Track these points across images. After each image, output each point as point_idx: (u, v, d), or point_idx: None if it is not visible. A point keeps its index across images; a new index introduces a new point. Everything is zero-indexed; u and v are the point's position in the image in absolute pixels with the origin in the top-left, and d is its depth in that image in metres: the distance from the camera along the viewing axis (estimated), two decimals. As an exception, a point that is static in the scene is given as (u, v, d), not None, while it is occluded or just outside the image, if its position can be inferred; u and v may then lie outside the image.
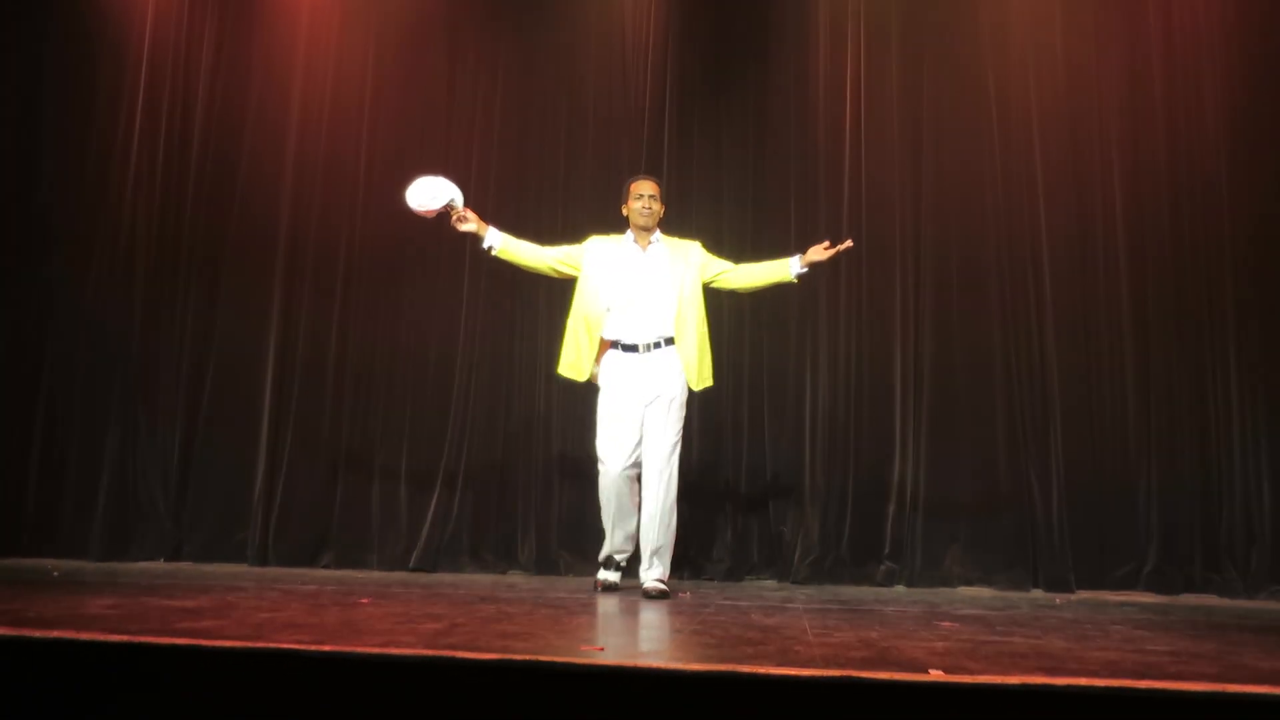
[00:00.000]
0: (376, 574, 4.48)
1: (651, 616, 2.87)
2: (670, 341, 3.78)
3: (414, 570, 4.65)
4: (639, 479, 3.75)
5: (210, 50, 5.30)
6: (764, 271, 3.92)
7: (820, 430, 4.69)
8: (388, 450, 4.93)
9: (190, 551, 4.86)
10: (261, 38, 5.31)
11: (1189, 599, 4.21)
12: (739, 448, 4.78)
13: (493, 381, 4.97)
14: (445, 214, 3.78)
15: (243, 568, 4.64)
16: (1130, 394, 4.57)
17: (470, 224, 3.79)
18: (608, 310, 3.78)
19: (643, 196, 3.89)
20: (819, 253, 3.81)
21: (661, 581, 3.65)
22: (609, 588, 3.77)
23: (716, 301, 4.17)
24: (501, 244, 3.85)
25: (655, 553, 3.69)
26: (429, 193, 3.76)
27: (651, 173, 4.32)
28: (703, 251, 3.94)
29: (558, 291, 4.90)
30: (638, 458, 3.73)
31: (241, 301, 5.10)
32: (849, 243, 3.85)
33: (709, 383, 3.88)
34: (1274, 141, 4.59)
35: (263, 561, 4.74)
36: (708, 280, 3.90)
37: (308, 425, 4.96)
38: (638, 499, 3.76)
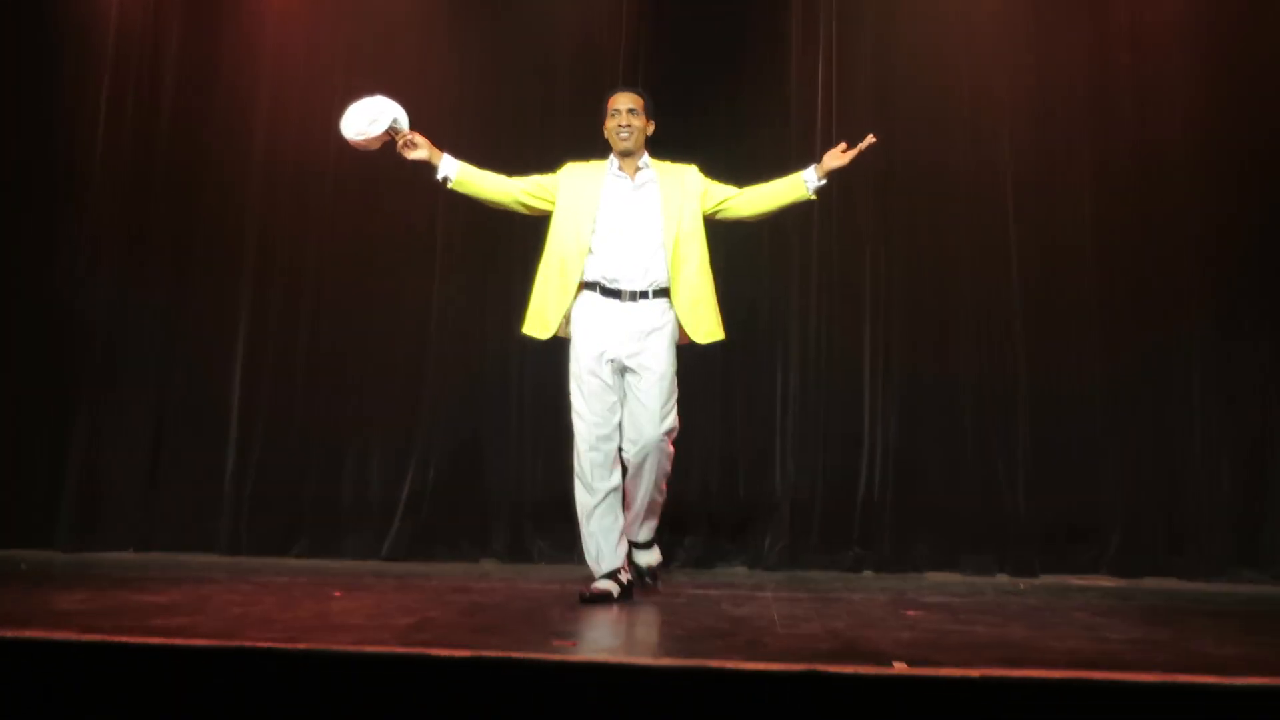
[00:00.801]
0: (349, 563, 4.49)
1: (624, 608, 2.90)
2: (663, 293, 3.16)
3: (387, 559, 4.65)
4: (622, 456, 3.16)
5: (178, 42, 5.20)
6: (775, 192, 3.31)
7: (791, 417, 4.74)
8: (360, 438, 4.92)
9: (160, 541, 4.82)
10: (230, 30, 5.22)
11: (1151, 582, 4.31)
12: (710, 435, 4.82)
13: (464, 365, 4.96)
14: (390, 141, 3.23)
15: (214, 557, 4.63)
16: (1095, 381, 4.65)
17: (420, 151, 3.21)
18: (588, 251, 3.13)
19: (619, 112, 3.21)
20: (837, 157, 3.21)
21: (655, 558, 3.40)
22: (599, 597, 2.99)
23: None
24: (459, 174, 3.24)
25: (644, 519, 3.28)
26: (366, 116, 3.23)
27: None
28: (701, 177, 3.31)
29: (531, 267, 4.90)
30: (615, 443, 3.15)
31: (211, 288, 5.04)
32: (871, 138, 3.27)
33: (718, 336, 3.27)
34: (1237, 140, 4.67)
35: (234, 551, 4.73)
36: (710, 211, 3.27)
37: (278, 412, 4.94)
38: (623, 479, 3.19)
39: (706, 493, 4.76)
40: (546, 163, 4.94)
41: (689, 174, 3.30)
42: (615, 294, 3.12)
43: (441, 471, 4.84)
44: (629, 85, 3.66)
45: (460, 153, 5.05)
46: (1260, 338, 4.57)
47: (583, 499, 3.14)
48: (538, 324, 3.22)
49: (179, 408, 4.97)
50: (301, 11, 5.24)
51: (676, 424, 3.18)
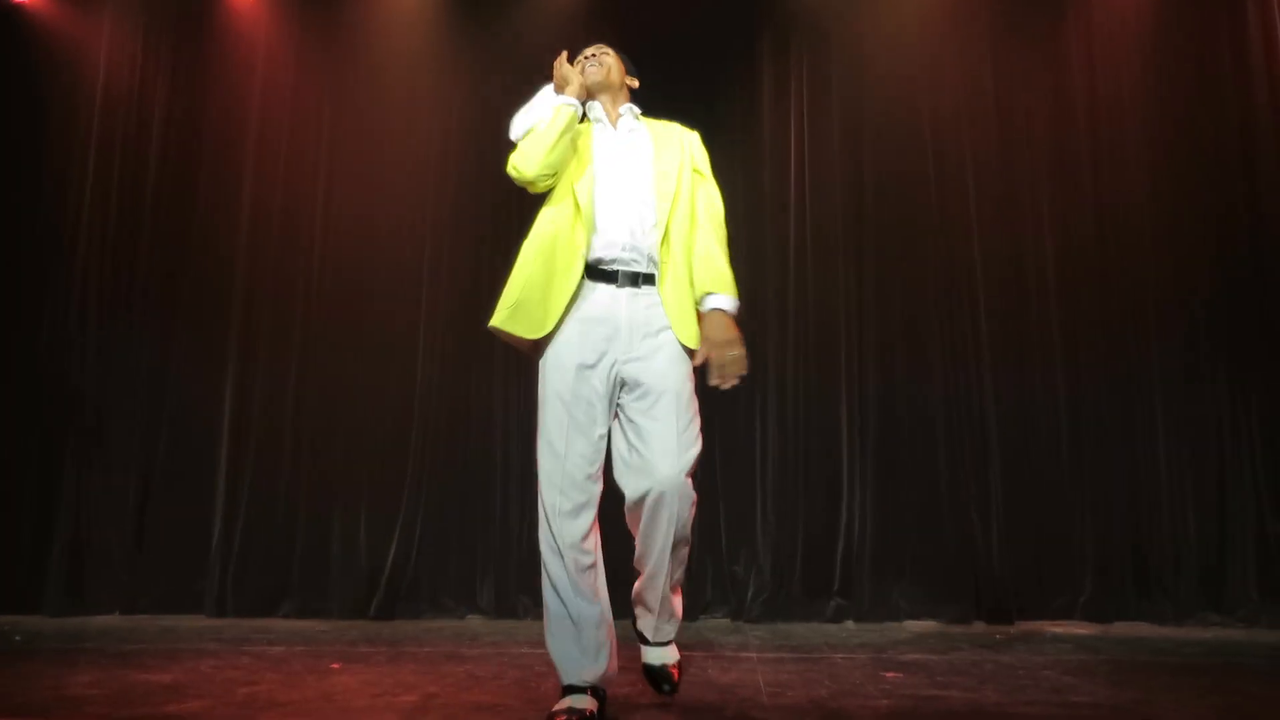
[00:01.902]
0: (338, 624, 4.54)
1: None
2: (651, 280, 2.45)
3: (373, 618, 4.71)
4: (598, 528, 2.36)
5: (164, 91, 5.34)
6: (698, 276, 2.49)
7: (771, 469, 4.87)
8: (347, 495, 4.99)
9: (147, 603, 4.86)
10: (216, 80, 5.35)
11: (1122, 627, 4.44)
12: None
13: (450, 423, 5.06)
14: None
15: (201, 619, 4.67)
16: (1063, 428, 4.81)
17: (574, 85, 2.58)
18: (592, 218, 2.45)
19: (587, 56, 2.68)
20: (703, 354, 2.37)
21: (673, 657, 2.53)
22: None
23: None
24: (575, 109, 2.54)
25: (659, 615, 2.48)
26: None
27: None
28: (701, 147, 2.68)
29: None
30: (597, 491, 2.34)
31: (197, 346, 5.13)
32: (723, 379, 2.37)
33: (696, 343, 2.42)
34: (1194, 181, 4.88)
35: (221, 612, 4.77)
36: None
37: (266, 471, 5.01)
38: (600, 571, 2.38)
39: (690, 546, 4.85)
40: (532, 211, 5.09)
41: (688, 138, 2.66)
42: (610, 277, 2.42)
43: (428, 529, 4.92)
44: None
45: (448, 185, 5.22)
46: (1220, 385, 4.74)
47: (554, 571, 2.30)
48: (525, 319, 2.43)
49: (166, 468, 5.03)
50: (286, 60, 5.37)
51: (699, 452, 2.36)
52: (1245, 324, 4.74)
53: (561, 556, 2.28)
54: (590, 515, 2.33)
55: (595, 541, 2.35)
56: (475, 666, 3.09)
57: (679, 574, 2.45)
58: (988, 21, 5.14)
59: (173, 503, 5.00)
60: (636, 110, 2.69)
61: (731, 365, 2.33)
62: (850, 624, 4.58)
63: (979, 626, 4.49)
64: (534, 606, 4.75)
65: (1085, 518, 4.72)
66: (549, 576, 2.31)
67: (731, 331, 2.38)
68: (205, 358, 5.12)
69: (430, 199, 5.24)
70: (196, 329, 5.15)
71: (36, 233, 5.19)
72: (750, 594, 4.73)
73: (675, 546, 2.35)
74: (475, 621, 4.67)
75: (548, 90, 2.62)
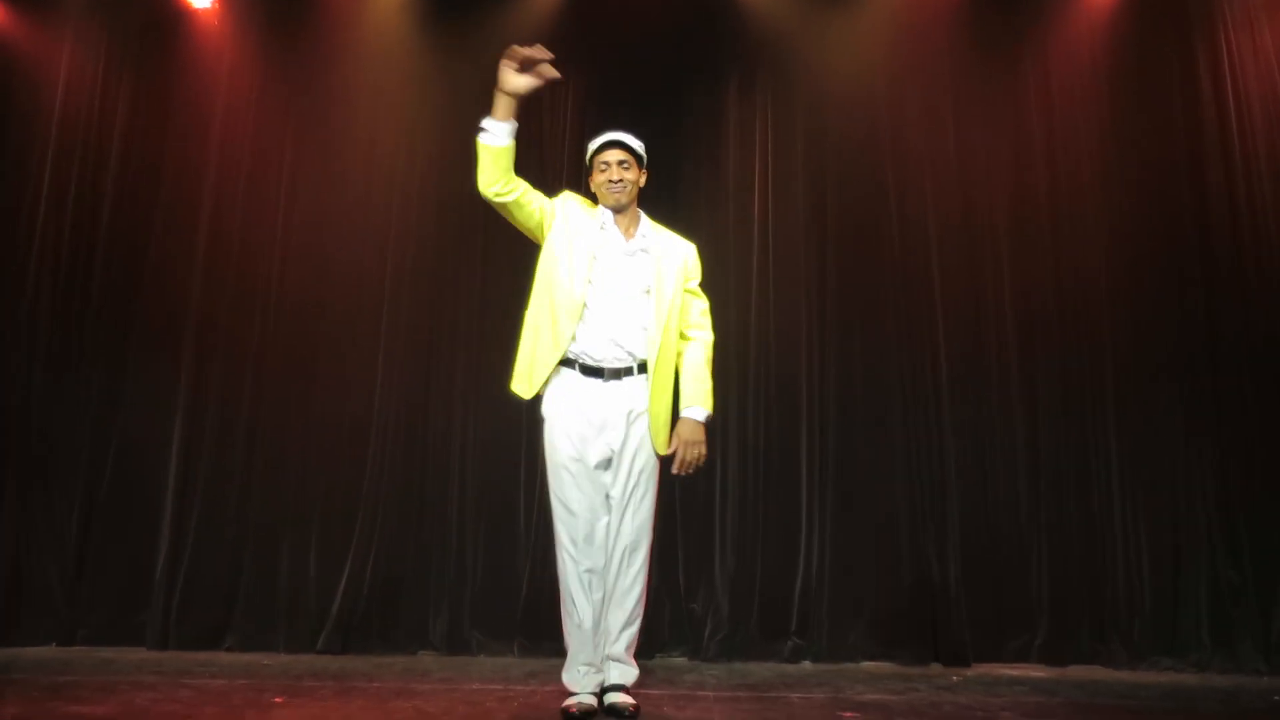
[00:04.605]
0: (283, 658, 4.41)
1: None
2: (644, 368, 2.91)
3: (321, 652, 4.58)
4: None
5: (125, 108, 5.24)
6: (687, 390, 3.03)
7: (730, 509, 4.83)
8: (297, 526, 4.87)
9: (86, 635, 4.69)
10: (178, 96, 5.27)
11: (1077, 671, 4.43)
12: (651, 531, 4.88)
13: (407, 455, 4.97)
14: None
15: (142, 652, 4.51)
16: (1021, 473, 4.83)
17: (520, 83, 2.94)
18: (583, 307, 2.86)
19: (608, 165, 2.96)
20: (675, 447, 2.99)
21: (626, 691, 2.91)
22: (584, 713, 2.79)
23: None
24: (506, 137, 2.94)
25: (618, 656, 2.95)
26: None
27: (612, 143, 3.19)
28: (696, 264, 3.09)
29: (475, 358, 4.98)
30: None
31: (149, 371, 4.99)
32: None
33: (664, 449, 2.96)
34: (1150, 236, 4.96)
35: (163, 645, 4.61)
36: None
37: (214, 501, 4.87)
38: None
39: (647, 584, 4.79)
40: (496, 235, 5.04)
41: (689, 255, 3.05)
42: (597, 372, 2.86)
43: (380, 562, 4.80)
44: (616, 131, 3.15)
45: (411, 215, 5.16)
46: (1177, 436, 4.79)
47: (579, 606, 2.89)
48: (525, 378, 2.90)
49: (111, 497, 4.87)
50: (250, 77, 5.30)
51: (652, 530, 2.96)
52: (1200, 376, 4.81)
53: (578, 606, 2.90)
54: (599, 562, 2.95)
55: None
56: (424, 702, 3.00)
57: (637, 617, 3.04)
58: (949, 62, 5.22)
59: (116, 532, 4.84)
60: (649, 225, 3.03)
61: (694, 461, 2.96)
62: (807, 664, 4.53)
63: (935, 668, 4.46)
64: (488, 642, 4.66)
65: (1042, 561, 4.73)
66: (566, 611, 2.96)
67: (701, 434, 2.96)
68: (156, 383, 4.98)
69: (394, 220, 5.19)
70: (149, 353, 5.03)
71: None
72: (708, 633, 4.67)
73: (635, 603, 3.01)
74: (427, 658, 4.55)
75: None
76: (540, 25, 5.25)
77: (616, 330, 2.86)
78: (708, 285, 4.94)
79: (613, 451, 2.88)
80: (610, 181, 2.96)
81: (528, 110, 5.18)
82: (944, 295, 5.01)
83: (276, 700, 2.96)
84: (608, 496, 2.90)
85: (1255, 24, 5.10)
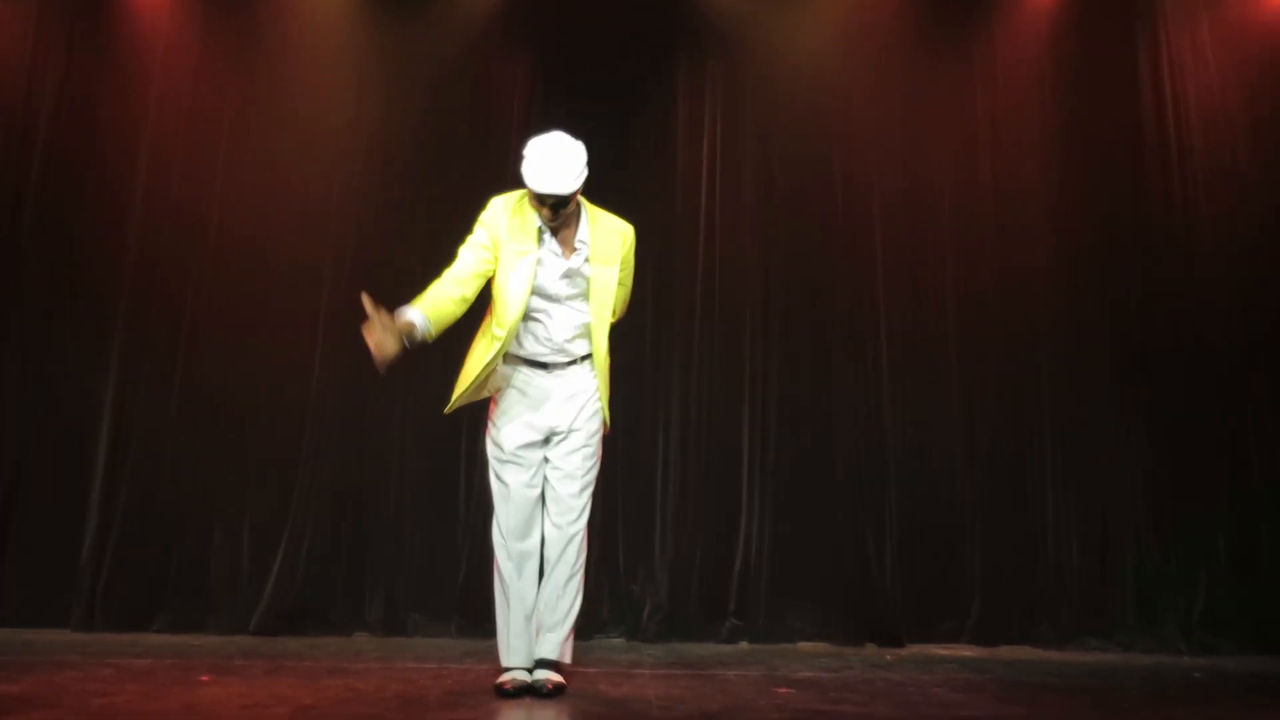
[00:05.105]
0: (214, 639, 4.32)
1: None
2: (587, 358, 3.01)
3: (254, 634, 4.50)
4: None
5: (54, 85, 5.04)
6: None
7: (671, 491, 4.84)
8: (232, 505, 4.77)
9: (6, 616, 4.54)
10: (112, 72, 5.09)
11: (1007, 650, 4.54)
12: (591, 506, 4.86)
13: (343, 433, 4.89)
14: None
15: (66, 634, 4.38)
16: (958, 459, 4.91)
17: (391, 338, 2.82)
18: (521, 320, 2.89)
19: (544, 203, 2.81)
20: None
21: (555, 668, 2.87)
22: (519, 689, 2.78)
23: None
24: (427, 326, 2.86)
25: (551, 627, 2.92)
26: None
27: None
28: (630, 250, 3.04)
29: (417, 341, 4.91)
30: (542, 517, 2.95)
31: (79, 347, 4.84)
32: None
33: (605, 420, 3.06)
34: (1088, 229, 5.07)
35: (89, 627, 4.48)
36: None
37: (145, 479, 4.75)
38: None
39: (586, 565, 4.78)
40: (440, 217, 4.99)
41: (626, 244, 3.02)
42: (543, 366, 2.95)
43: (316, 542, 4.73)
44: (554, 173, 2.83)
45: (354, 186, 5.05)
46: (1107, 420, 4.91)
47: (511, 582, 2.91)
48: (473, 393, 2.95)
49: (37, 475, 4.73)
50: (188, 52, 5.14)
51: (589, 508, 2.99)
52: (1133, 368, 4.95)
53: (507, 580, 2.94)
54: (534, 550, 3.00)
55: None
56: (357, 680, 2.96)
57: (576, 595, 3.02)
58: (897, 55, 5.26)
59: (43, 509, 4.70)
60: (587, 226, 2.93)
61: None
62: (745, 644, 4.56)
63: (870, 648, 4.53)
64: (425, 623, 4.62)
65: (975, 546, 4.82)
66: (499, 597, 2.97)
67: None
68: (87, 359, 4.84)
69: (336, 196, 5.09)
70: (79, 329, 4.87)
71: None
72: (646, 614, 4.68)
73: (572, 574, 3.00)
74: (363, 639, 4.50)
75: None
76: (490, 5, 5.20)
77: (558, 337, 2.94)
78: (655, 271, 4.99)
79: (555, 430, 2.95)
80: (549, 220, 2.87)
81: (475, 95, 5.18)
82: (887, 285, 5.06)
83: (203, 679, 2.90)
84: (546, 476, 2.96)
85: (1195, 20, 5.22)
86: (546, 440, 2.97)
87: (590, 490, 3.00)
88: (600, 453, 3.05)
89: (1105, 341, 4.99)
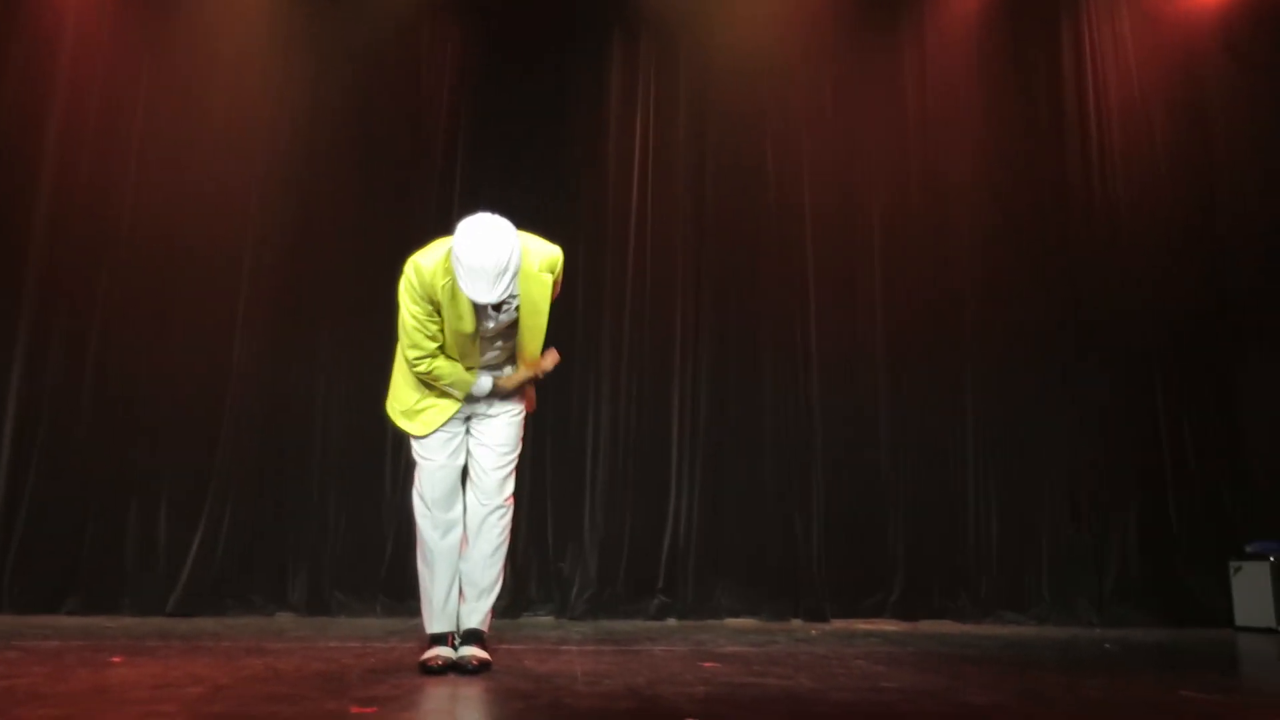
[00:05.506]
0: (129, 620, 4.20)
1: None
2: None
3: (171, 615, 4.39)
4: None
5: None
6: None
7: (601, 470, 4.85)
8: (147, 483, 4.65)
9: (-93, 599, 4.38)
10: (17, 56, 4.87)
11: (928, 625, 4.65)
12: (519, 484, 4.81)
13: (266, 413, 4.80)
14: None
15: (-30, 617, 4.23)
16: (883, 441, 5.01)
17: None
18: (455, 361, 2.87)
19: (483, 307, 2.70)
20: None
21: (481, 642, 2.84)
22: (444, 666, 2.74)
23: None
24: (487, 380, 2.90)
25: (476, 597, 2.90)
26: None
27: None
28: (559, 272, 2.89)
29: (342, 318, 4.82)
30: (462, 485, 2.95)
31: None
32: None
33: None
34: (1013, 225, 5.22)
35: (-6, 609, 4.34)
36: None
37: (56, 457, 4.60)
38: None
39: (513, 543, 4.75)
40: (365, 204, 4.90)
41: (554, 275, 2.87)
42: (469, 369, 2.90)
43: (236, 520, 4.64)
44: (484, 284, 2.60)
45: (275, 170, 4.90)
46: (1029, 405, 5.05)
47: (434, 552, 2.89)
48: (412, 419, 2.91)
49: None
50: (101, 32, 4.97)
51: (513, 479, 2.97)
52: (1053, 355, 5.10)
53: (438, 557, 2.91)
54: (456, 516, 2.97)
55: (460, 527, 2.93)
56: (277, 660, 2.89)
57: (497, 569, 2.98)
58: (830, 51, 5.35)
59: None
60: (515, 289, 2.69)
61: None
62: (673, 620, 4.59)
63: (796, 624, 4.59)
64: (349, 602, 4.56)
65: (899, 525, 4.93)
66: (422, 571, 2.93)
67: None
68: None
69: (258, 173, 4.97)
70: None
71: None
72: (575, 592, 4.69)
73: (496, 548, 3.00)
74: (284, 618, 4.42)
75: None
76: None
77: (489, 366, 2.91)
78: (588, 259, 4.96)
79: (477, 409, 2.93)
80: (485, 316, 2.77)
81: (403, 82, 5.08)
82: (817, 273, 5.13)
83: (115, 660, 2.80)
84: (469, 449, 2.95)
85: (1116, 13, 5.36)
86: (468, 417, 2.96)
87: (513, 462, 2.96)
88: (522, 428, 3.01)
89: (1029, 332, 5.12)
